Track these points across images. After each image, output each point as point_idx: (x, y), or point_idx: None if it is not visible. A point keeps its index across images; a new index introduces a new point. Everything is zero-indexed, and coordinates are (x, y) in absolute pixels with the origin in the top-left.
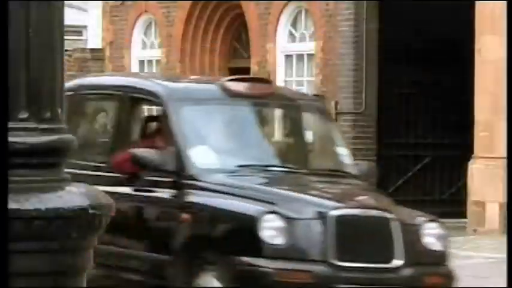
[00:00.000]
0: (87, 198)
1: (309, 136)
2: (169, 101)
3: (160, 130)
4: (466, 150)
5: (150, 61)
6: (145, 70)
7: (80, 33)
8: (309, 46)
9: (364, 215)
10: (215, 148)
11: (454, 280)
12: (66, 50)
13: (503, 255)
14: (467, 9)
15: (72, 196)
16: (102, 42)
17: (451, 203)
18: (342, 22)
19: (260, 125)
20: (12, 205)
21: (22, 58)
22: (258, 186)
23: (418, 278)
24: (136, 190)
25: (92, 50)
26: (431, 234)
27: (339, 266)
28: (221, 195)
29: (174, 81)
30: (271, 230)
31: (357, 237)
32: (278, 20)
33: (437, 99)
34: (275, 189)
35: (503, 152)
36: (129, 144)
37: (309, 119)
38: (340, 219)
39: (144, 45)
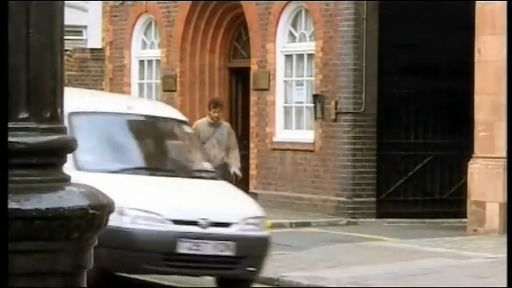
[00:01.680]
0: (87, 198)
1: None
2: None
3: None
4: (466, 150)
5: (150, 61)
6: (145, 70)
7: (80, 33)
8: (309, 46)
9: None
10: None
11: None
12: (66, 50)
13: (503, 255)
14: (467, 9)
15: (72, 196)
16: (102, 42)
17: (451, 203)
18: (342, 22)
19: None
20: (12, 205)
21: (22, 58)
22: None
23: None
24: None
25: (92, 50)
26: None
27: None
28: None
29: None
30: None
31: None
32: (278, 20)
33: (437, 99)
34: None
35: (503, 152)
36: None
37: None
38: None
39: (144, 45)
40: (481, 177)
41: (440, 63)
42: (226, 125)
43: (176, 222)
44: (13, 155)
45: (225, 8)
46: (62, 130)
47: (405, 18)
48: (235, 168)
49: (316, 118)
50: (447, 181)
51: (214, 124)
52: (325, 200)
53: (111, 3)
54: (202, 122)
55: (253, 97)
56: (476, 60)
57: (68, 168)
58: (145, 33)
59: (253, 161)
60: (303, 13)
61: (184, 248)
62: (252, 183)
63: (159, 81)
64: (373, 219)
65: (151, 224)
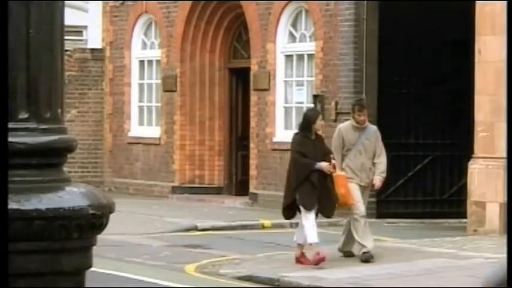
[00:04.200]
0: (87, 198)
1: None
2: None
3: None
4: (466, 150)
5: (150, 61)
6: (146, 70)
7: (80, 33)
8: (309, 46)
9: None
10: None
11: None
12: (66, 50)
13: (503, 255)
14: (467, 9)
15: (72, 196)
16: (102, 42)
17: (451, 203)
18: (342, 22)
19: None
20: (12, 205)
21: (22, 58)
22: None
23: None
24: None
25: (92, 50)
26: None
27: None
28: None
29: None
30: None
31: None
32: (278, 20)
33: (437, 99)
34: None
35: (503, 152)
36: None
37: None
38: None
39: (144, 45)
40: (481, 178)
41: (441, 63)
42: (373, 127)
43: None
44: (13, 155)
45: (225, 8)
46: (62, 130)
47: (405, 19)
48: (378, 175)
49: None
50: (447, 181)
51: (360, 128)
52: None
53: (111, 3)
54: (346, 126)
55: (253, 97)
56: (476, 60)
57: None
58: (145, 34)
59: (253, 161)
60: (303, 13)
61: None
62: (252, 184)
63: (159, 81)
64: (373, 220)
65: None
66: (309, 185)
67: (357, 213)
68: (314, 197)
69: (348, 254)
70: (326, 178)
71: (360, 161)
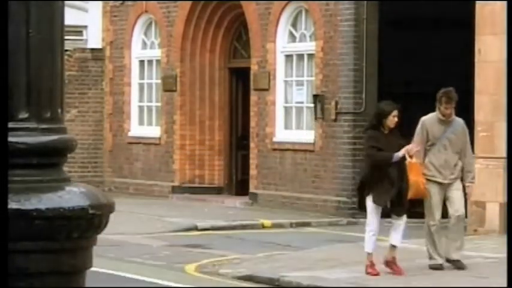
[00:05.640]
0: (87, 198)
1: None
2: None
3: None
4: None
5: (150, 61)
6: (146, 70)
7: (80, 33)
8: (309, 46)
9: None
10: None
11: None
12: (66, 50)
13: (503, 255)
14: (467, 9)
15: (72, 196)
16: (102, 42)
17: None
18: (342, 22)
19: None
20: (12, 205)
21: (22, 58)
22: None
23: None
24: None
25: (92, 50)
26: None
27: None
28: None
29: None
30: None
31: None
32: (278, 20)
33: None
34: None
35: (503, 152)
36: None
37: None
38: None
39: (144, 45)
40: (481, 177)
41: (441, 63)
42: (460, 121)
43: None
44: (13, 155)
45: (225, 8)
46: (62, 130)
47: (405, 18)
48: (469, 182)
49: (316, 118)
50: None
51: (446, 121)
52: (326, 200)
53: (111, 3)
54: (430, 119)
55: (253, 97)
56: (476, 60)
57: None
58: (145, 33)
59: (253, 161)
60: (303, 13)
61: None
62: (252, 183)
63: (159, 81)
64: None
65: None
66: (386, 181)
67: (431, 219)
68: (389, 195)
69: (458, 265)
70: (404, 175)
71: (444, 157)
